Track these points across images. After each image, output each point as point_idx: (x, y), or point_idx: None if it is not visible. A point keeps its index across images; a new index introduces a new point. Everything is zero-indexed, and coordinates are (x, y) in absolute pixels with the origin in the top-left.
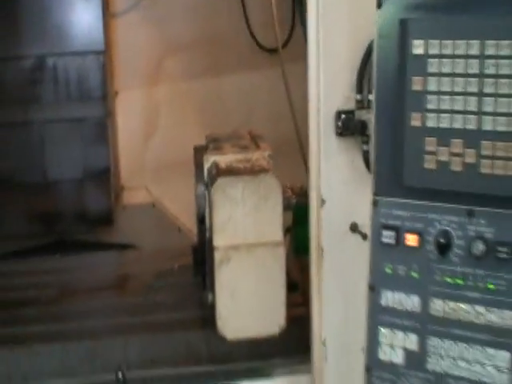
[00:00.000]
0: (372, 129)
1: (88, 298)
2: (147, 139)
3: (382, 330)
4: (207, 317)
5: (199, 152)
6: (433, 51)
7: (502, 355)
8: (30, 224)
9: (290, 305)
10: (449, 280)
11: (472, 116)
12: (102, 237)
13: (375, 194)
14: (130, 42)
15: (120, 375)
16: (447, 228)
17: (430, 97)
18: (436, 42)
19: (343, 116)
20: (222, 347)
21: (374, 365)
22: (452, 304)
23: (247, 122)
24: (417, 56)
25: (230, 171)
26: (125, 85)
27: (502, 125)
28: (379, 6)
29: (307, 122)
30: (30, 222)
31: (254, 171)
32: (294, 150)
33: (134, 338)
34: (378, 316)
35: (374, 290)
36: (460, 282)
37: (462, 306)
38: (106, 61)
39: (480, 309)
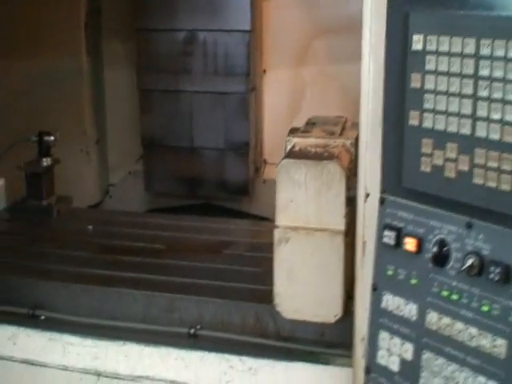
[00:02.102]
0: None
1: (186, 257)
2: (291, 118)
3: (382, 333)
4: None
5: (291, 133)
6: (431, 47)
7: None
8: (177, 184)
9: None
10: (445, 293)
11: (466, 120)
12: (242, 206)
13: (382, 191)
14: (280, 23)
15: (192, 331)
16: (446, 238)
17: (427, 95)
18: (434, 37)
19: None
20: (287, 325)
21: (372, 367)
22: (446, 319)
23: None
24: (416, 52)
25: (299, 154)
26: (273, 63)
27: (495, 132)
28: None
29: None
30: (177, 182)
31: (320, 157)
32: None
33: (210, 300)
34: (379, 318)
35: (376, 290)
36: (455, 297)
37: (456, 323)
38: (253, 40)
39: (473, 330)
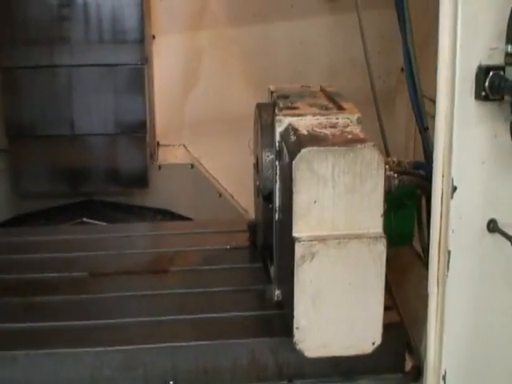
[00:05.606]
0: None
1: (120, 284)
2: (187, 91)
3: None
4: (274, 319)
5: (265, 110)
6: None
7: None
8: (54, 182)
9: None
10: None
11: None
12: (134, 199)
13: None
14: None
15: None
16: None
17: None
18: None
19: (491, 73)
20: (294, 360)
21: None
22: None
23: (300, 76)
24: None
25: (315, 140)
26: (164, 28)
27: None
28: None
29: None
30: (55, 179)
31: (347, 141)
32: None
33: (184, 344)
34: None
35: None
36: None
37: None
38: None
39: None
